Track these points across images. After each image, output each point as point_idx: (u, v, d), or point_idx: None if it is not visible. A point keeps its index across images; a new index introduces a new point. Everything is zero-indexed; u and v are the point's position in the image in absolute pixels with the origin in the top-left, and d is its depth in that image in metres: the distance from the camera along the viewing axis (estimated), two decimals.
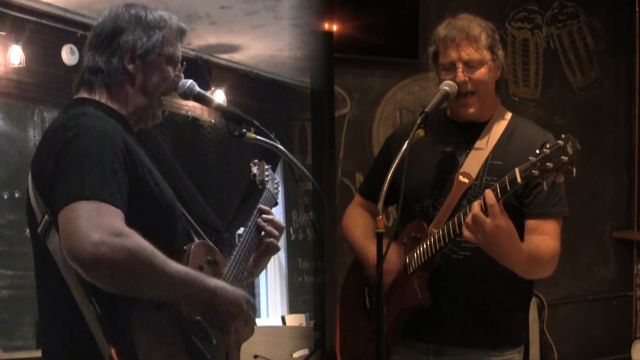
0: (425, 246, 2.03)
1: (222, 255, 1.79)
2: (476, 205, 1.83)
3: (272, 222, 1.94)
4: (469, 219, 1.84)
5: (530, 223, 2.04)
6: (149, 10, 1.69)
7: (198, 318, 1.60)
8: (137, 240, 1.41)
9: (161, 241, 1.48)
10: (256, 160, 2.12)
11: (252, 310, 1.69)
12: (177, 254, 1.62)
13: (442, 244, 1.98)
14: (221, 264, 1.77)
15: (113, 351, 1.46)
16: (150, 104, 1.71)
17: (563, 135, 1.76)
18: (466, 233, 1.86)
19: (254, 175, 2.09)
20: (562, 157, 1.72)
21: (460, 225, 1.91)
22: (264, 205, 2.00)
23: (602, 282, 4.62)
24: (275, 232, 1.93)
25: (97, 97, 1.67)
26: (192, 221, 1.82)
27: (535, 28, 4.34)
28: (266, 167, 2.12)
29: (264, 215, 1.94)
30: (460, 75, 2.03)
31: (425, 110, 1.92)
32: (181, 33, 1.75)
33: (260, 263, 1.94)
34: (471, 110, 2.08)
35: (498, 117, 2.14)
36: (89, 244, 1.35)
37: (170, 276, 1.46)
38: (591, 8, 4.47)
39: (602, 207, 4.60)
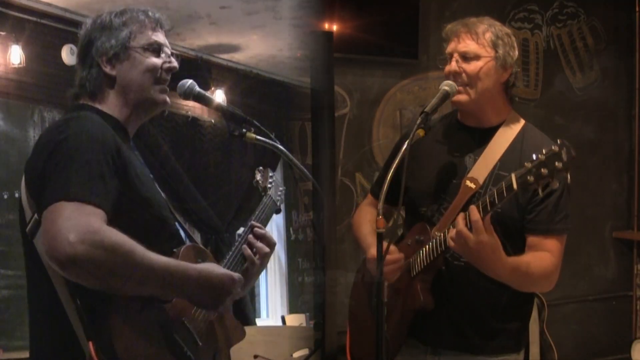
0: (427, 249, 2.03)
1: (213, 258, 1.79)
2: (460, 221, 1.85)
3: (263, 238, 1.90)
4: (453, 233, 1.86)
5: (532, 239, 2.03)
6: (113, 14, 1.73)
7: (183, 319, 1.60)
8: (114, 236, 1.42)
9: (149, 244, 1.49)
10: (261, 167, 2.14)
11: (239, 286, 1.67)
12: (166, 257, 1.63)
13: (443, 248, 1.98)
14: None
15: (91, 346, 1.46)
16: (145, 95, 1.72)
17: (559, 141, 1.75)
18: (452, 245, 1.89)
19: (257, 182, 2.11)
20: (556, 163, 1.71)
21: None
22: (264, 210, 2.01)
23: (602, 282, 4.61)
24: (265, 249, 1.89)
25: (92, 104, 1.71)
26: (184, 225, 1.82)
27: (535, 28, 4.34)
28: (271, 174, 2.13)
29: (255, 230, 1.91)
30: (453, 64, 2.03)
31: (425, 110, 1.92)
32: (158, 22, 1.77)
33: (247, 278, 1.88)
34: (461, 97, 2.04)
35: (509, 123, 2.10)
36: (66, 244, 1.36)
37: (151, 267, 1.47)
38: (591, 8, 4.47)
39: (602, 207, 4.59)
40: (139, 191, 1.61)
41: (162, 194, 1.76)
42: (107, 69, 1.70)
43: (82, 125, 1.55)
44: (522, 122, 2.14)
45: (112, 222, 1.46)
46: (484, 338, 2.09)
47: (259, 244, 1.88)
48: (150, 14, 1.76)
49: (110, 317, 1.49)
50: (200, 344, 1.64)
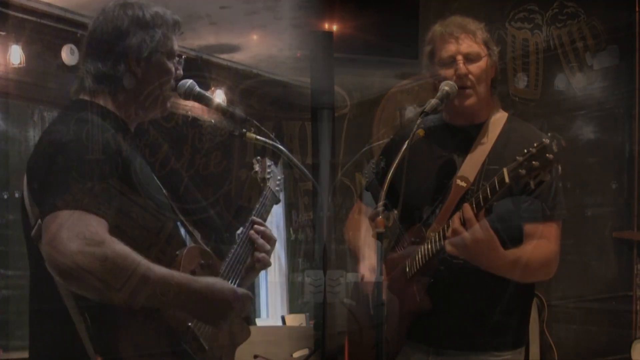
0: (423, 250, 2.03)
1: (216, 259, 1.78)
2: (456, 220, 1.85)
3: (264, 235, 1.89)
4: (449, 234, 1.86)
5: (529, 227, 2.03)
6: (144, 8, 1.68)
7: (189, 324, 1.59)
8: (118, 249, 1.40)
9: (149, 244, 1.48)
10: (259, 157, 2.11)
11: (245, 302, 1.66)
12: (169, 259, 1.62)
13: (438, 248, 1.98)
14: (215, 268, 1.76)
15: None
16: (156, 99, 1.71)
17: (549, 134, 1.75)
18: (448, 247, 1.88)
19: (256, 172, 2.08)
20: (547, 155, 1.71)
21: (445, 237, 1.92)
22: (264, 203, 2.00)
23: (602, 282, 4.61)
24: (267, 246, 1.88)
25: (98, 101, 1.66)
26: (187, 225, 1.81)
27: (535, 28, 4.34)
28: (268, 164, 2.10)
29: (255, 227, 1.90)
30: (462, 67, 2.02)
31: (425, 110, 1.92)
32: (176, 25, 1.74)
33: (248, 276, 1.88)
34: (470, 101, 2.05)
35: (494, 118, 2.12)
36: (67, 253, 1.35)
37: (153, 281, 1.45)
38: (591, 8, 4.47)
39: (602, 207, 4.59)
40: (139, 192, 1.60)
41: (164, 191, 1.74)
42: (137, 70, 1.65)
43: (84, 128, 1.53)
44: (506, 114, 2.15)
45: (113, 223, 1.45)
46: (485, 335, 2.09)
47: (260, 241, 1.87)
48: (175, 16, 1.74)
49: (116, 325, 1.48)
50: (207, 348, 1.63)
